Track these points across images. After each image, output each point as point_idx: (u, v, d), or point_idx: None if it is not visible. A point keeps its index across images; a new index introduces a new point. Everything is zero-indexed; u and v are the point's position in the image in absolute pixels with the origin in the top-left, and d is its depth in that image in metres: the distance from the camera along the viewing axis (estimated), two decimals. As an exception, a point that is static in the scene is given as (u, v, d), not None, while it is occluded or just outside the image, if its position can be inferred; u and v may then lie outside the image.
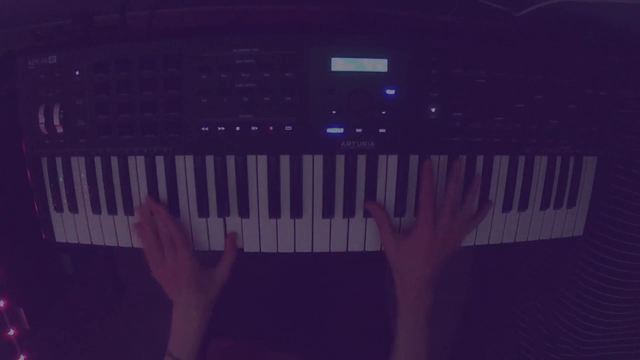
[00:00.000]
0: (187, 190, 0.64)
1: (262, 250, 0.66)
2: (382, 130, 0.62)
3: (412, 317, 0.62)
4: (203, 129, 0.61)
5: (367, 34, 0.61)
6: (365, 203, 0.64)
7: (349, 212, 0.64)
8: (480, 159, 0.65)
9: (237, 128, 0.61)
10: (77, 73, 0.61)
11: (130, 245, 0.66)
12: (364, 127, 0.62)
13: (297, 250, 0.65)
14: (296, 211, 0.64)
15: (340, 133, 0.62)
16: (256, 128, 0.61)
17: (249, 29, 0.63)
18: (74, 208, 0.66)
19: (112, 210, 0.65)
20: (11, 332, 0.85)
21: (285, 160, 0.63)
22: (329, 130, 0.62)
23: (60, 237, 0.68)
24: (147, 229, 0.63)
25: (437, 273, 0.62)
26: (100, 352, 1.25)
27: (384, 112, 0.61)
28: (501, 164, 0.66)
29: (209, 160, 0.63)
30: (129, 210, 0.65)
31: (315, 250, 0.65)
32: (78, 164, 0.65)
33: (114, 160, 0.64)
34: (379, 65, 0.60)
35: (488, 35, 0.71)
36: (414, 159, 0.64)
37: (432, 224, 0.60)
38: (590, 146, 0.68)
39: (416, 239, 0.61)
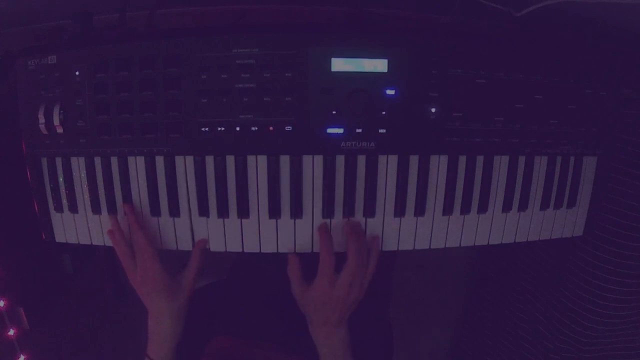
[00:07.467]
0: (187, 190, 0.64)
1: (262, 250, 0.66)
2: (382, 131, 0.62)
3: (329, 349, 0.64)
4: (203, 129, 0.61)
5: (367, 34, 0.61)
6: (290, 255, 0.65)
7: (349, 213, 0.64)
8: (480, 159, 0.65)
9: (237, 128, 0.61)
10: (77, 73, 0.61)
11: (130, 246, 0.66)
12: (364, 128, 0.62)
13: (297, 251, 0.65)
14: (296, 211, 0.64)
15: (340, 133, 0.62)
16: (256, 128, 0.61)
17: (249, 29, 0.63)
18: (74, 208, 0.66)
19: (112, 211, 0.65)
20: (11, 332, 0.86)
21: (285, 161, 0.63)
22: (329, 130, 0.62)
23: (60, 237, 0.68)
24: (118, 236, 0.63)
25: (346, 314, 0.63)
26: (100, 352, 1.25)
27: (384, 113, 0.61)
28: (501, 164, 0.66)
29: (209, 160, 0.63)
30: (129, 210, 0.65)
31: (315, 250, 0.65)
32: (78, 164, 0.65)
33: (114, 161, 0.64)
34: (379, 65, 0.60)
35: (488, 35, 0.70)
36: (414, 159, 0.64)
37: (330, 282, 0.61)
38: (590, 146, 0.68)
39: (315, 292, 0.62)
